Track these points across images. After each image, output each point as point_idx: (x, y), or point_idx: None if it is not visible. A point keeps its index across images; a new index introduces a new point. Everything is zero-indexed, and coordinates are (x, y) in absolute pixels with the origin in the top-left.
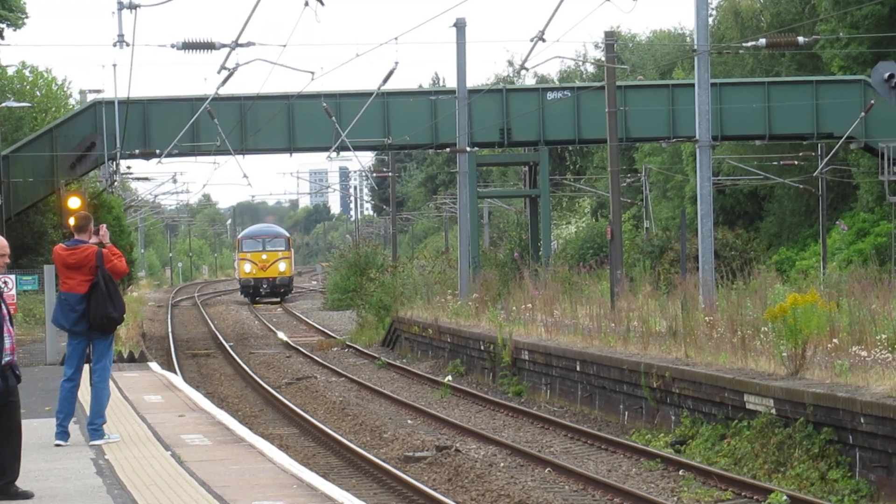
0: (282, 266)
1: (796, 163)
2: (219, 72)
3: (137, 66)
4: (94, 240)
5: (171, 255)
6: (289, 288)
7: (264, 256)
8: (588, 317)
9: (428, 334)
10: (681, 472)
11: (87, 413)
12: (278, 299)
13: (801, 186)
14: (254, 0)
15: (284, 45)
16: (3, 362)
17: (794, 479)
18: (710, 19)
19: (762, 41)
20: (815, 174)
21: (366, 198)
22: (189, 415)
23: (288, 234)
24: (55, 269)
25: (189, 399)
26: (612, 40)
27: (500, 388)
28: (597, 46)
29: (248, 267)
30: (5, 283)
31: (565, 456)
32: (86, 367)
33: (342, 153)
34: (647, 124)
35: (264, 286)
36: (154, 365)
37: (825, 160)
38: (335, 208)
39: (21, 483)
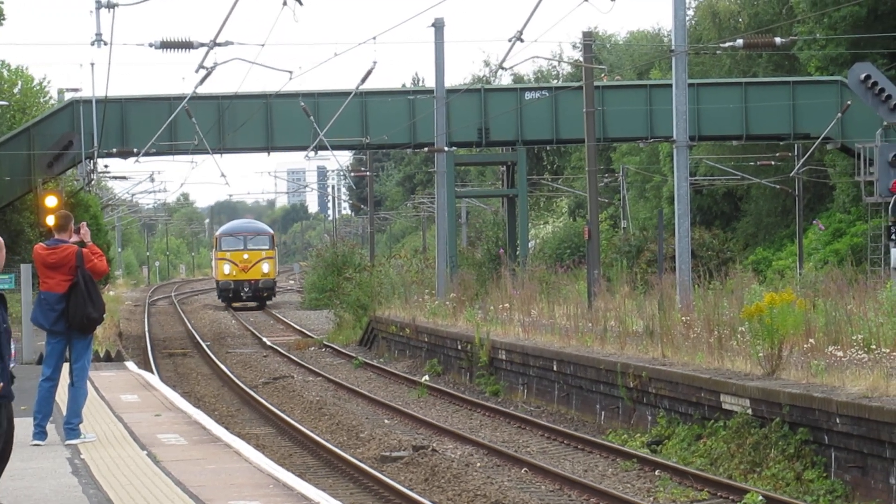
0: (265, 267)
1: (773, 163)
2: (197, 71)
3: (115, 65)
4: (74, 239)
5: (148, 254)
6: (272, 291)
7: (246, 256)
8: (565, 316)
9: (405, 334)
10: (657, 472)
11: (64, 413)
12: (259, 304)
13: (778, 187)
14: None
15: (263, 45)
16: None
17: (770, 480)
18: (688, 20)
19: (740, 42)
20: (791, 174)
21: (343, 197)
22: (165, 414)
23: (272, 231)
24: (33, 269)
25: (165, 398)
26: (589, 40)
27: (478, 388)
28: (574, 47)
29: (227, 268)
30: None
31: (542, 456)
32: (64, 367)
33: (320, 152)
34: (624, 124)
35: (245, 289)
36: (131, 364)
37: (802, 161)
38: (313, 207)
39: None
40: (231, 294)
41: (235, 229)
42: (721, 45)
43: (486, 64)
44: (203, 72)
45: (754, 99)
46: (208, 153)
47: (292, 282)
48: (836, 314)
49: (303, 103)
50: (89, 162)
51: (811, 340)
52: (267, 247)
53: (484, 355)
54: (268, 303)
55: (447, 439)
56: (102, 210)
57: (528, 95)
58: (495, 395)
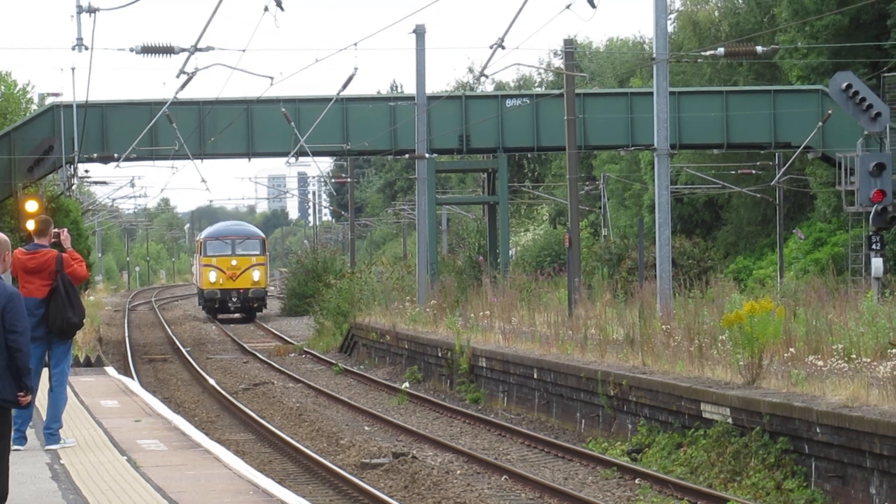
0: (255, 275)
1: (754, 172)
2: (178, 76)
3: (96, 69)
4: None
5: (128, 259)
6: (263, 302)
7: (234, 262)
8: (546, 324)
9: (385, 341)
10: (637, 481)
11: (44, 417)
12: (248, 316)
13: (759, 196)
14: (213, 5)
15: (244, 50)
16: None
17: (750, 489)
18: (669, 28)
19: (721, 50)
20: (772, 183)
21: (324, 203)
22: (145, 420)
23: (262, 235)
24: (11, 273)
25: (145, 404)
26: (571, 48)
27: (458, 395)
28: (556, 54)
29: (213, 275)
30: None
31: (522, 463)
32: (44, 372)
33: (301, 158)
34: (605, 132)
35: (233, 299)
36: (111, 370)
37: (782, 170)
38: (293, 214)
39: None
40: (217, 304)
41: (222, 232)
42: (702, 53)
43: (470, 70)
44: (184, 77)
45: (735, 107)
46: (189, 158)
47: (272, 287)
48: (816, 323)
49: (284, 109)
50: (70, 167)
51: (791, 350)
52: (257, 252)
53: (464, 362)
54: (258, 314)
55: (427, 446)
56: (83, 215)
57: (508, 103)
58: (475, 402)
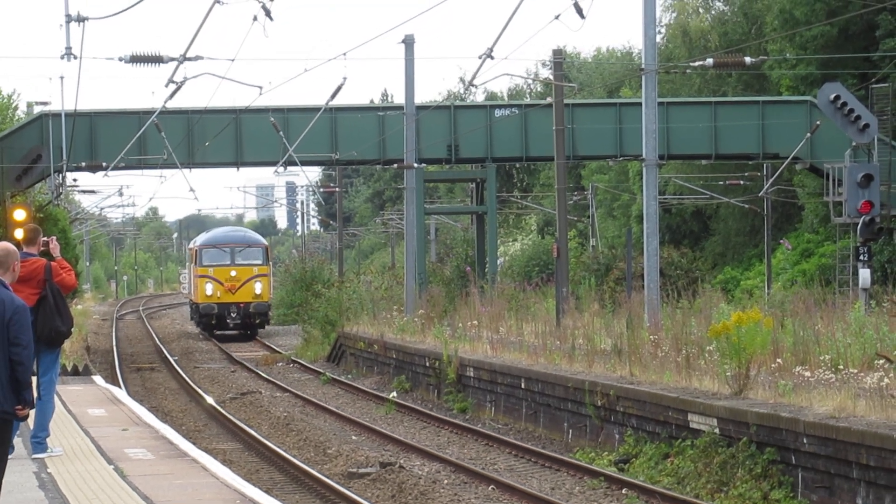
0: (258, 287)
1: (742, 182)
2: (166, 85)
3: (85, 78)
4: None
5: (116, 268)
6: (266, 318)
7: (233, 273)
8: (534, 334)
9: (373, 350)
10: (624, 491)
11: (31, 426)
12: (249, 334)
13: (747, 206)
14: (203, 14)
15: (233, 60)
16: None
17: (737, 499)
18: (659, 38)
19: (709, 61)
20: (760, 194)
21: (312, 213)
22: (132, 429)
23: (265, 242)
24: None
25: (133, 413)
26: (559, 58)
27: (445, 405)
28: (544, 65)
29: (209, 288)
30: None
31: (509, 473)
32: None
33: (289, 168)
34: (594, 142)
35: (232, 314)
36: (98, 378)
37: (770, 180)
38: (282, 223)
39: None
40: (214, 320)
41: (220, 239)
42: (691, 63)
43: (461, 80)
44: (173, 86)
45: (724, 118)
46: (177, 167)
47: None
48: (803, 334)
49: (272, 118)
50: (58, 175)
51: (779, 360)
52: (260, 261)
53: (452, 372)
54: (260, 331)
55: (415, 456)
56: (71, 224)
57: (497, 113)
58: (463, 412)
